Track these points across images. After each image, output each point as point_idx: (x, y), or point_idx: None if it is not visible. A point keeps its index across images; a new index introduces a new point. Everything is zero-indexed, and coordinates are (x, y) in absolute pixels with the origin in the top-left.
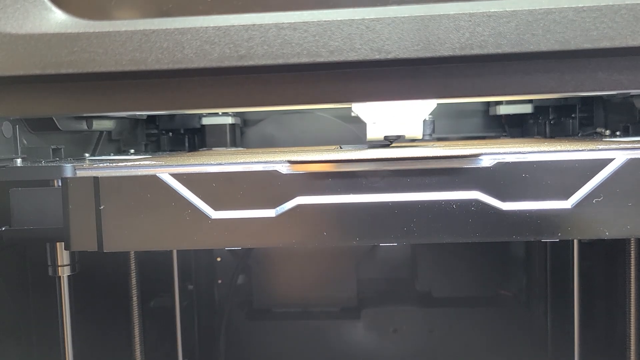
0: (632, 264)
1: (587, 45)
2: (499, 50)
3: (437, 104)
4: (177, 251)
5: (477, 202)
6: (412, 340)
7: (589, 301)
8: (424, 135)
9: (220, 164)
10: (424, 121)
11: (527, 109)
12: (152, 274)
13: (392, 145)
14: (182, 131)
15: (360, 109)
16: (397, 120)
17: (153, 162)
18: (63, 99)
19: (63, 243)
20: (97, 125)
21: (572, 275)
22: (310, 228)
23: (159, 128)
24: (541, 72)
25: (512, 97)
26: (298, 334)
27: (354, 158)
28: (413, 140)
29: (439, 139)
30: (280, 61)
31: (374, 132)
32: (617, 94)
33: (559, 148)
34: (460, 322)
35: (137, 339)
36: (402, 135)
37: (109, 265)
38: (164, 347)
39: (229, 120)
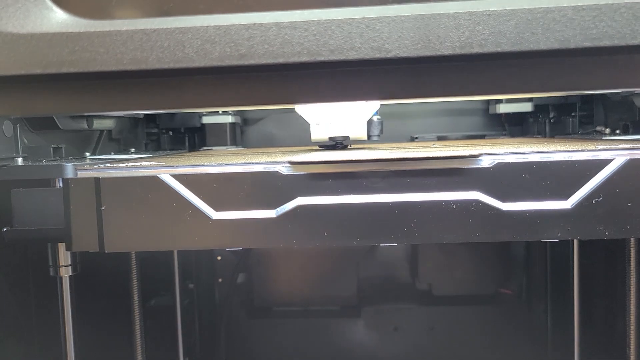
0: (631, 263)
1: (587, 44)
2: (499, 49)
3: (380, 104)
4: (178, 251)
5: (477, 203)
6: (413, 338)
7: (588, 300)
8: (371, 135)
9: (220, 164)
10: (372, 122)
11: (527, 107)
12: (153, 273)
13: (393, 145)
14: (182, 130)
15: (303, 110)
16: (341, 122)
17: (154, 163)
18: (64, 98)
19: (64, 243)
20: (98, 124)
21: (572, 274)
22: (310, 228)
23: (159, 127)
24: (541, 71)
25: (512, 95)
26: (299, 333)
27: (354, 159)
28: (414, 139)
29: (439, 138)
30: (281, 60)
31: (318, 133)
32: (617, 92)
33: (558, 148)
34: (461, 320)
35: (138, 338)
36: (347, 137)
37: (110, 265)
38: (165, 345)
39: (229, 119)
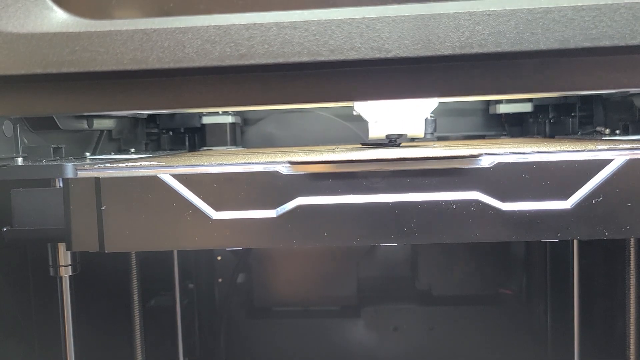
0: (631, 263)
1: (587, 44)
2: (499, 49)
3: (438, 102)
4: (178, 250)
5: (477, 203)
6: (412, 338)
7: (588, 300)
8: (425, 133)
9: (221, 164)
10: (426, 120)
11: (527, 107)
12: (152, 273)
13: (392, 145)
14: (182, 130)
15: (362, 107)
16: (399, 119)
17: (154, 163)
18: (64, 98)
19: (64, 243)
20: (98, 124)
21: (571, 274)
22: (310, 228)
23: (159, 127)
24: (540, 71)
25: (511, 95)
26: (299, 333)
27: (354, 159)
28: (413, 140)
29: (439, 138)
30: (281, 60)
31: (376, 131)
32: (617, 92)
33: (558, 148)
34: (460, 320)
35: (138, 338)
36: (404, 134)
37: (110, 265)
38: (164, 346)
39: (229, 119)
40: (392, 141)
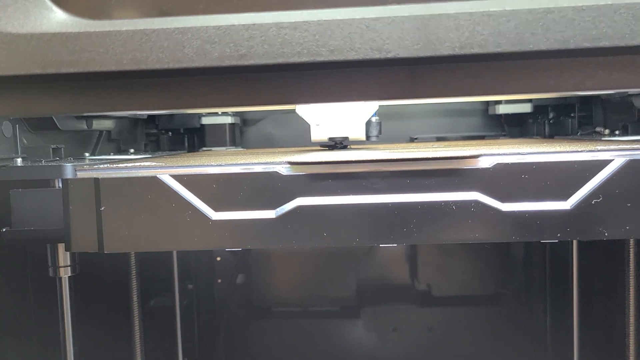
0: (630, 264)
1: (587, 44)
2: (499, 50)
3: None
4: (177, 251)
5: (477, 203)
6: (412, 338)
7: (588, 300)
8: (370, 136)
9: (220, 165)
10: (370, 122)
11: (527, 108)
12: (152, 273)
13: (392, 146)
14: (181, 131)
15: (304, 110)
16: (340, 122)
17: (153, 163)
18: (64, 98)
19: (63, 244)
20: (97, 124)
21: (571, 274)
22: (310, 229)
23: (158, 127)
24: (540, 71)
25: (511, 96)
26: (298, 333)
27: (354, 159)
28: (413, 139)
29: (439, 139)
30: (281, 60)
31: (318, 134)
32: (616, 93)
33: (558, 149)
34: (460, 320)
35: (137, 339)
36: (346, 137)
37: (109, 266)
38: (164, 346)
39: (229, 119)
40: (337, 144)
